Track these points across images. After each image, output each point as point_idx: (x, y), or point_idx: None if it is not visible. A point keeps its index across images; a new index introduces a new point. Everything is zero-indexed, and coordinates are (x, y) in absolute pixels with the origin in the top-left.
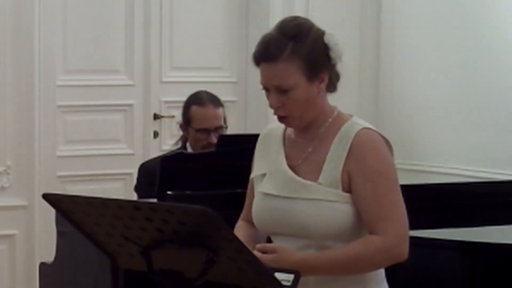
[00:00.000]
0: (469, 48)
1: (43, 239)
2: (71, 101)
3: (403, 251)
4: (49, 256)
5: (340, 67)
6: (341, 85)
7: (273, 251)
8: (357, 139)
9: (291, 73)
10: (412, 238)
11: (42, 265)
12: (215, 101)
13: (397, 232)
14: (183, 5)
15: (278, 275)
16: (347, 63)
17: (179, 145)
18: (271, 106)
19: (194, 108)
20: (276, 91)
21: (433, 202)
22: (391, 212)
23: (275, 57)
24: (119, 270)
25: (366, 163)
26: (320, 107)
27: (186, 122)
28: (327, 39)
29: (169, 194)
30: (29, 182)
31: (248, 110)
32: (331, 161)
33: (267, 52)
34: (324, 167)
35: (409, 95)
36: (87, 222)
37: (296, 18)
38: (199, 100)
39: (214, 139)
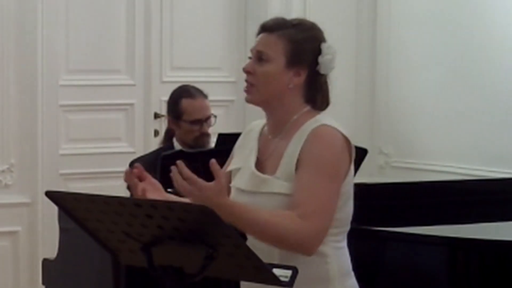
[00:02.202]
0: (463, 49)
1: (46, 235)
2: (73, 101)
3: (313, 246)
4: (52, 252)
5: (338, 68)
6: (338, 84)
7: (200, 189)
8: (312, 133)
9: (276, 47)
10: (402, 234)
11: (45, 261)
12: (203, 93)
13: (315, 226)
14: (183, 6)
15: (276, 271)
16: (344, 63)
17: (165, 143)
18: (244, 69)
19: (185, 101)
20: (255, 58)
21: (427, 199)
22: (315, 205)
23: (272, 29)
24: (120, 266)
25: (310, 152)
26: (287, 101)
27: (177, 116)
28: (323, 46)
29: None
30: (32, 180)
31: (246, 109)
32: (287, 156)
33: (268, 24)
34: (282, 161)
35: (404, 95)
36: (89, 219)
37: (310, 21)
38: (188, 93)
39: (207, 129)
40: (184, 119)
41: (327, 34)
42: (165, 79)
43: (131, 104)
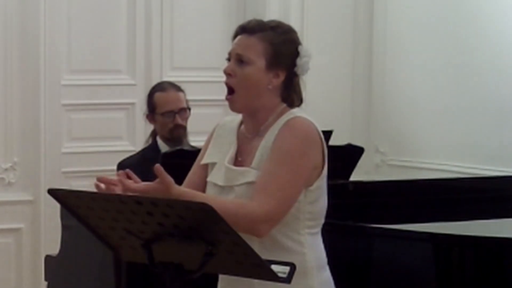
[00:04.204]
0: (458, 49)
1: (48, 232)
2: (75, 100)
3: (263, 229)
4: (54, 249)
5: (335, 67)
6: (335, 83)
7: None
8: (285, 124)
9: (256, 50)
10: (396, 231)
11: (48, 258)
12: (176, 86)
13: (268, 210)
14: (183, 6)
15: (274, 267)
16: (341, 62)
17: (150, 142)
18: (224, 72)
19: (157, 94)
20: (235, 61)
21: (423, 197)
22: (274, 190)
23: (251, 32)
24: (121, 263)
25: (281, 142)
26: (266, 101)
27: (152, 110)
28: (301, 48)
29: None
30: (35, 178)
31: None
32: (262, 148)
33: (248, 26)
34: (257, 153)
35: (400, 94)
36: (90, 216)
37: (286, 23)
38: (161, 87)
39: (179, 120)
40: (157, 112)
41: (324, 34)
42: (165, 79)
43: (132, 104)
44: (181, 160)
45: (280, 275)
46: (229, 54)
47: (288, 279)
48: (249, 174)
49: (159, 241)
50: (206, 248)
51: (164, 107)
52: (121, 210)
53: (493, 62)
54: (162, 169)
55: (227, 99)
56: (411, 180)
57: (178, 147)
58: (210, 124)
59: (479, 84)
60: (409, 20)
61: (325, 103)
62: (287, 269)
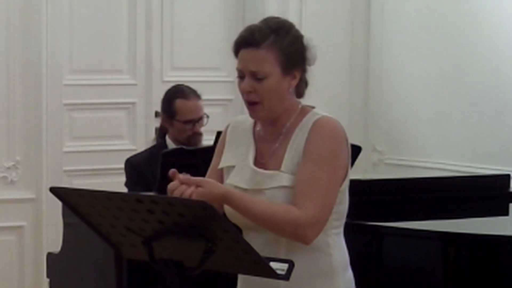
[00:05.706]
0: (453, 49)
1: (50, 230)
2: (77, 100)
3: (311, 235)
4: (56, 246)
5: (332, 67)
6: (333, 83)
7: (199, 185)
8: (315, 125)
9: (269, 61)
10: (395, 229)
11: (49, 255)
12: (196, 94)
13: (314, 215)
14: (183, 7)
15: (273, 264)
16: (339, 62)
17: (158, 141)
18: (243, 91)
19: (179, 101)
20: (251, 77)
21: (420, 195)
22: (317, 194)
23: (257, 44)
24: (122, 260)
25: (315, 144)
26: (287, 103)
27: (171, 116)
28: (306, 41)
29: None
30: (37, 176)
31: (244, 107)
32: (291, 150)
33: (252, 38)
34: (286, 155)
35: (397, 94)
36: (92, 214)
37: (278, 17)
38: (183, 94)
39: (199, 128)
40: (177, 119)
41: (322, 33)
42: (165, 78)
43: (133, 103)
44: (181, 159)
45: (278, 272)
46: (240, 71)
47: (286, 276)
48: (280, 177)
49: (160, 239)
50: (206, 245)
51: (185, 116)
52: (122, 208)
53: (489, 62)
54: (187, 179)
55: (249, 108)
56: (408, 179)
57: (179, 146)
58: (209, 124)
59: (474, 84)
60: (405, 21)
61: (323, 102)
62: (285, 266)
